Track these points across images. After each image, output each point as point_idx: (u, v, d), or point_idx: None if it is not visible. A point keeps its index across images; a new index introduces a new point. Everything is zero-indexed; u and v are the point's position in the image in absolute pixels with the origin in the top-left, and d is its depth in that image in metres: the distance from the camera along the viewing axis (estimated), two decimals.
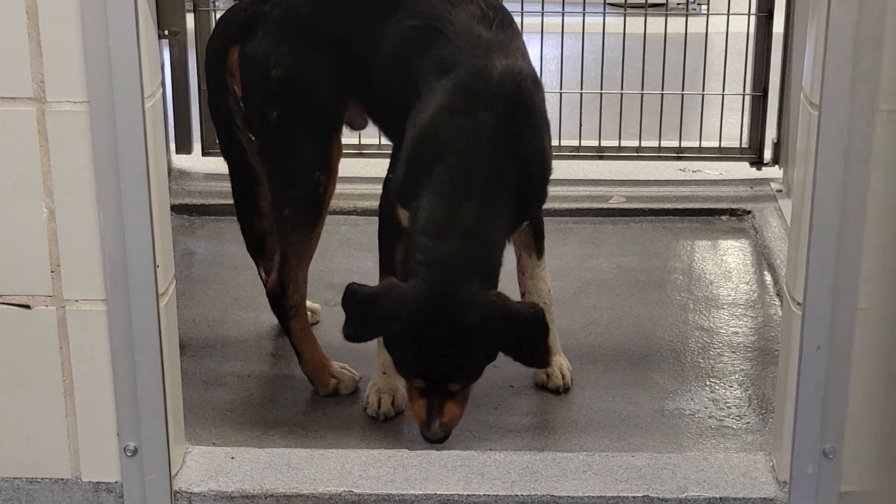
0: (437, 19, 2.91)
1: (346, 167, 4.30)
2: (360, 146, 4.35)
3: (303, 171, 3.03)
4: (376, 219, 3.07)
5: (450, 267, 2.75)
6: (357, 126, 3.22)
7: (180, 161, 4.30)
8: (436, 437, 2.81)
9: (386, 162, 3.12)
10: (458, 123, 2.79)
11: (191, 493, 2.63)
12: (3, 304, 2.50)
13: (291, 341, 3.17)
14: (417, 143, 2.85)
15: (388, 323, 2.79)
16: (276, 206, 3.08)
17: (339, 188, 4.22)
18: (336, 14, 3.01)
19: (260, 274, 3.29)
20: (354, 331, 2.85)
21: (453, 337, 2.75)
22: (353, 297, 2.82)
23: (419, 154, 2.83)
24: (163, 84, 2.56)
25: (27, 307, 2.50)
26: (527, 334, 2.79)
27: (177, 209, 3.93)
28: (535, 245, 3.14)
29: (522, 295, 3.16)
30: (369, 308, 2.80)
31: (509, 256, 3.15)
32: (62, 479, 2.62)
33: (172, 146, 4.27)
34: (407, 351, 2.79)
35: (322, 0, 3.02)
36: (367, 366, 3.11)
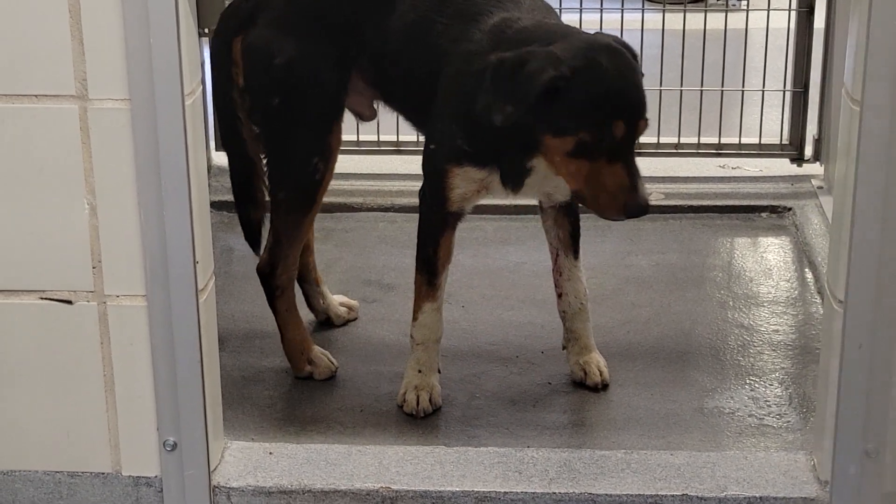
0: None
1: (384, 164, 4.37)
2: (397, 143, 4.36)
3: (301, 157, 3.06)
4: (414, 215, 3.06)
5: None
6: (365, 117, 3.24)
7: (220, 158, 4.31)
8: (644, 202, 2.67)
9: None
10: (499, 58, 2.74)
11: (229, 487, 2.64)
12: (46, 299, 2.52)
13: (276, 320, 3.21)
14: (459, 87, 2.83)
15: (544, 71, 2.64)
16: (272, 189, 3.13)
17: (377, 185, 4.28)
18: (340, 1, 3.03)
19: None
20: (513, 107, 2.67)
21: (627, 65, 2.72)
22: (502, 65, 2.70)
23: (467, 95, 2.80)
24: (203, 82, 2.57)
25: (69, 302, 2.51)
26: None
27: (216, 206, 3.93)
28: (572, 245, 3.13)
29: (559, 296, 3.15)
30: (521, 68, 2.67)
31: (545, 257, 3.15)
32: (102, 474, 2.63)
33: (212, 143, 4.28)
34: (595, 92, 2.66)
35: None
36: (402, 364, 3.11)
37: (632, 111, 2.69)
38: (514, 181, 2.89)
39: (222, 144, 3.21)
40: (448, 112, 2.88)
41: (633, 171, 2.68)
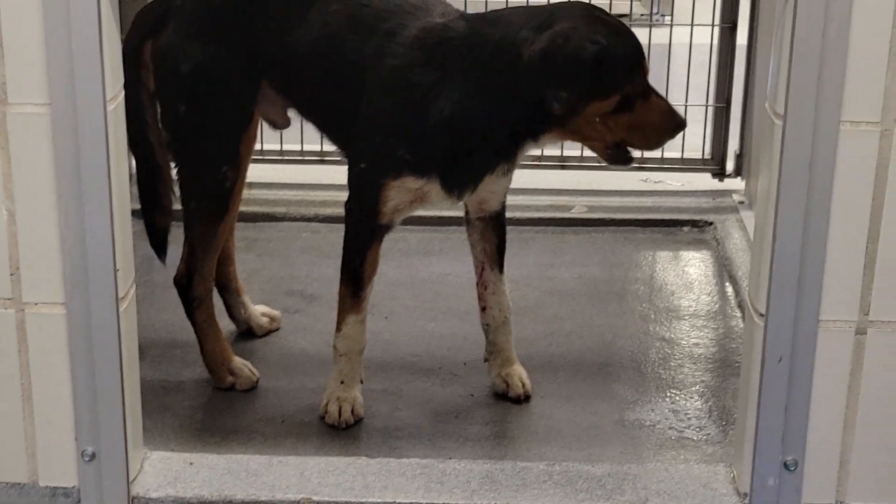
0: None
1: (308, 174, 4.35)
2: (321, 153, 4.34)
3: (210, 165, 3.04)
4: (338, 226, 3.05)
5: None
6: (278, 126, 3.23)
7: None
8: (682, 116, 2.84)
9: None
10: (425, 71, 2.82)
11: (148, 498, 2.61)
12: None
13: (195, 331, 3.19)
14: (394, 101, 2.85)
15: (585, 48, 2.73)
16: (183, 198, 3.11)
17: (301, 195, 4.26)
18: (250, 8, 3.01)
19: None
20: (568, 91, 2.75)
21: (610, 14, 2.84)
22: (541, 56, 2.74)
23: (401, 108, 2.84)
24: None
25: None
26: None
27: (138, 214, 3.89)
28: (498, 259, 3.14)
29: (483, 310, 3.16)
30: (558, 53, 2.72)
31: (469, 269, 3.15)
32: (19, 484, 2.59)
33: None
34: (622, 48, 2.77)
35: None
36: (324, 375, 3.10)
37: (641, 50, 2.82)
38: (461, 185, 2.88)
39: (130, 148, 3.18)
40: (382, 126, 2.86)
41: (660, 95, 2.84)
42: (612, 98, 2.76)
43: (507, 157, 2.88)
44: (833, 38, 2.28)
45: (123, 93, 2.45)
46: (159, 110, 3.08)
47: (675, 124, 2.83)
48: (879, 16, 2.28)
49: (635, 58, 2.79)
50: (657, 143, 2.86)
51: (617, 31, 2.78)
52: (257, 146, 3.26)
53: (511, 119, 2.79)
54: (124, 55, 3.06)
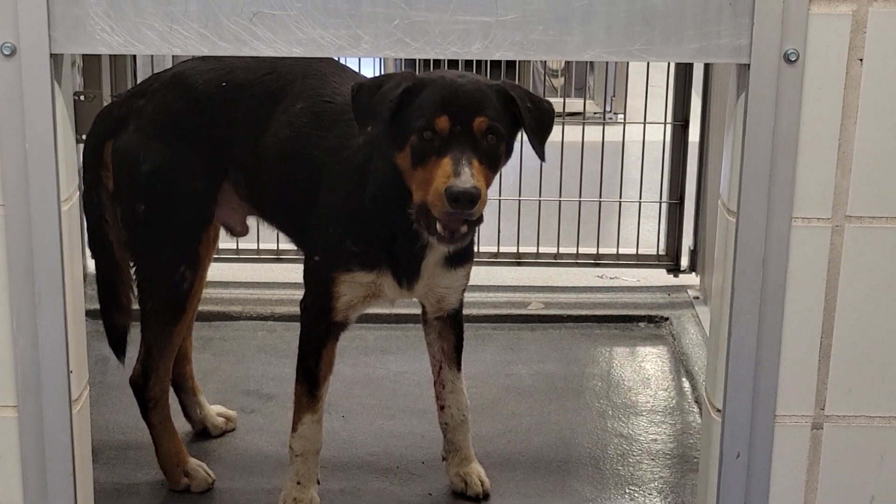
0: (325, 95, 2.96)
1: (263, 272, 4.35)
2: (277, 251, 4.34)
3: (168, 266, 3.04)
4: (294, 324, 3.04)
5: None
6: (236, 233, 3.23)
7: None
8: (466, 185, 2.59)
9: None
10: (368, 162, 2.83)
11: None
12: None
13: (150, 432, 3.17)
14: (343, 193, 2.86)
15: (398, 87, 2.69)
16: (140, 298, 3.10)
17: (256, 293, 4.25)
18: (212, 112, 3.02)
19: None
20: (369, 119, 2.70)
21: (475, 82, 2.73)
22: (360, 89, 2.74)
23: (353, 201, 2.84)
24: (79, 188, 2.54)
25: None
26: (540, 115, 2.77)
27: (91, 314, 3.88)
28: (455, 358, 3.14)
29: (441, 409, 3.15)
30: (378, 89, 2.71)
31: (425, 366, 3.14)
32: None
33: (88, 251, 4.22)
34: (426, 97, 2.68)
35: (196, 98, 3.03)
36: (281, 475, 3.07)
37: (451, 106, 2.67)
38: (409, 274, 2.88)
39: (89, 247, 3.17)
40: (332, 217, 2.87)
41: (460, 160, 2.63)
42: (405, 148, 2.69)
43: (413, 232, 2.82)
44: (783, 136, 2.30)
45: (78, 193, 2.45)
46: (119, 210, 3.07)
47: (451, 191, 2.60)
48: (828, 114, 2.31)
49: (433, 107, 2.67)
50: (435, 205, 2.65)
51: (441, 84, 2.70)
52: None
53: (387, 185, 2.80)
54: (85, 154, 3.08)
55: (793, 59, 2.26)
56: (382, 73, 2.99)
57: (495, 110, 2.70)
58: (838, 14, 2.26)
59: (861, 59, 2.28)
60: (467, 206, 2.59)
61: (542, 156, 2.78)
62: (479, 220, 2.69)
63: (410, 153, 2.68)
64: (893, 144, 2.33)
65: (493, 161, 2.70)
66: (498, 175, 4.39)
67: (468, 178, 2.60)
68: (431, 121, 2.66)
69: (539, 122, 2.76)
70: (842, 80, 2.30)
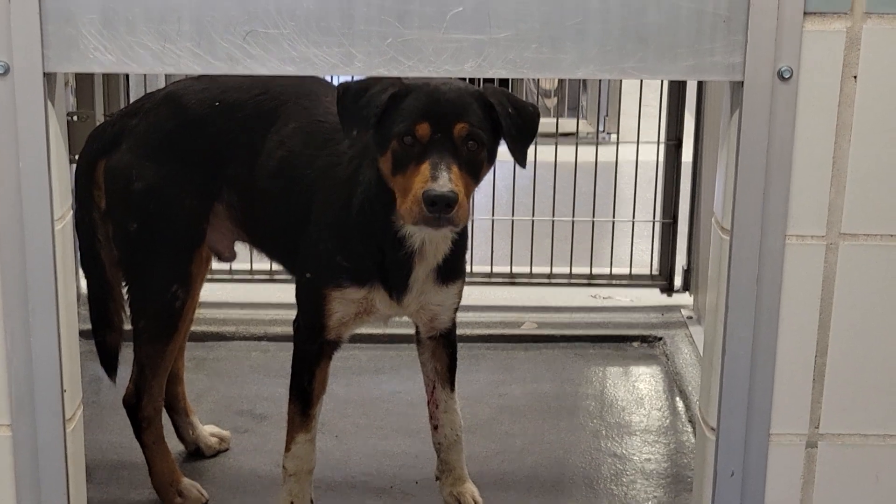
0: (318, 115, 2.96)
1: (257, 293, 4.34)
2: (271, 272, 4.34)
3: (160, 284, 3.03)
4: (288, 344, 3.04)
5: None
6: (224, 258, 3.22)
7: None
8: (444, 189, 2.59)
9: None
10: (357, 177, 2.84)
11: None
12: None
13: (144, 452, 3.16)
14: (334, 209, 2.86)
15: (384, 92, 2.69)
16: (133, 317, 3.10)
17: (250, 314, 4.25)
18: (205, 131, 3.03)
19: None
20: (354, 123, 2.71)
21: (457, 89, 2.71)
22: (346, 92, 2.73)
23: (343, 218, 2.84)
24: (72, 207, 2.54)
25: None
26: (522, 120, 2.76)
27: (85, 334, 3.87)
28: (448, 377, 3.13)
29: (435, 428, 3.14)
30: (364, 92, 2.71)
31: (419, 386, 3.13)
32: None
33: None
34: (409, 103, 2.68)
35: (189, 117, 3.03)
36: (274, 495, 3.06)
37: (431, 113, 2.67)
38: (398, 286, 2.87)
39: (81, 266, 3.17)
40: (322, 233, 2.87)
41: (439, 165, 2.63)
42: (387, 152, 2.70)
43: (399, 240, 2.83)
44: (777, 154, 2.30)
45: (71, 213, 2.45)
46: (111, 229, 3.07)
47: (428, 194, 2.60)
48: (822, 131, 2.31)
49: (415, 113, 2.67)
50: (412, 210, 2.64)
51: (426, 91, 2.70)
52: None
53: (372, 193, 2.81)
54: (77, 174, 3.08)
55: (787, 77, 2.27)
56: None
57: (476, 117, 2.70)
58: (832, 31, 2.27)
59: (855, 77, 2.29)
60: (445, 211, 2.60)
61: (521, 162, 2.78)
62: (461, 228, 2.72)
63: (391, 158, 2.69)
64: (888, 161, 2.33)
65: (473, 168, 2.71)
66: (491, 194, 4.42)
67: (446, 181, 2.61)
68: (412, 127, 2.66)
69: (520, 127, 2.76)
70: (836, 98, 2.30)
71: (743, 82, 2.28)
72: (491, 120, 2.73)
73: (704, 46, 2.26)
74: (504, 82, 3.06)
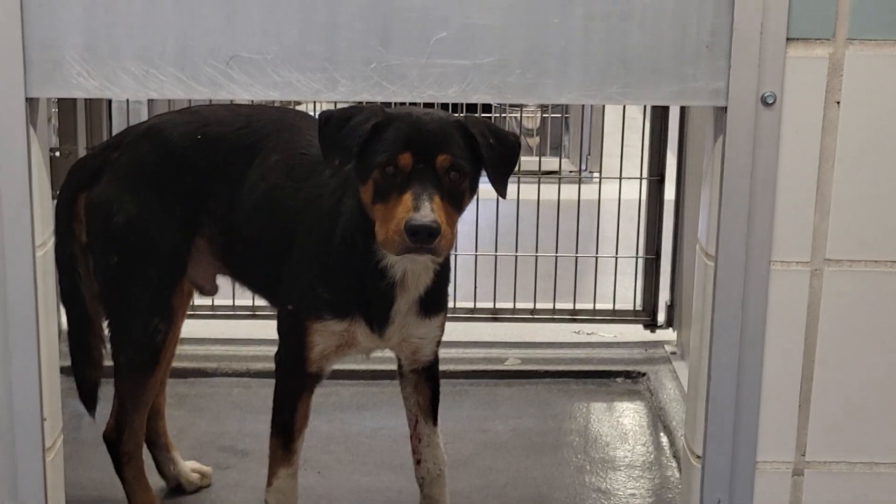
0: (300, 147, 2.95)
1: (239, 329, 4.32)
2: (253, 307, 4.32)
3: (141, 318, 3.01)
4: (269, 381, 3.01)
5: None
6: (206, 291, 3.20)
7: None
8: (426, 220, 2.57)
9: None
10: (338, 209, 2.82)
11: None
12: None
13: (124, 487, 3.13)
14: (315, 240, 2.85)
15: (367, 121, 2.66)
16: (113, 351, 3.07)
17: (232, 350, 4.22)
18: (187, 165, 3.01)
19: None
20: (336, 152, 2.69)
21: (439, 119, 2.68)
22: (329, 121, 2.71)
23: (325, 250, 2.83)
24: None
25: None
26: (503, 150, 2.74)
27: (65, 371, 3.85)
28: (431, 411, 3.11)
29: (418, 463, 3.12)
30: (346, 122, 2.68)
31: (402, 422, 3.12)
32: None
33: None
34: (391, 133, 2.65)
35: (171, 150, 3.02)
36: None
37: (413, 143, 2.65)
38: (380, 318, 2.86)
39: (62, 300, 3.15)
40: (304, 265, 2.86)
41: (421, 195, 2.61)
42: (368, 182, 2.68)
43: (380, 271, 2.81)
44: (761, 179, 2.31)
45: (53, 240, 2.43)
46: (92, 262, 3.05)
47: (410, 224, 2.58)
48: (806, 156, 2.32)
49: (397, 143, 2.65)
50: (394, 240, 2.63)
51: (408, 121, 2.68)
52: None
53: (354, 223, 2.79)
54: (58, 206, 3.07)
55: (770, 102, 2.27)
56: None
57: (459, 147, 2.69)
58: (815, 57, 2.28)
59: (838, 102, 2.30)
60: (427, 241, 2.59)
61: (502, 193, 2.78)
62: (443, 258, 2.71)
63: (373, 188, 2.68)
64: (872, 187, 2.33)
65: (456, 198, 2.70)
66: (475, 231, 4.41)
67: (428, 212, 2.59)
68: (394, 157, 2.65)
69: (501, 157, 2.76)
70: (819, 123, 2.31)
71: (726, 108, 2.28)
72: (472, 150, 2.72)
73: (688, 72, 2.27)
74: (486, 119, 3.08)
